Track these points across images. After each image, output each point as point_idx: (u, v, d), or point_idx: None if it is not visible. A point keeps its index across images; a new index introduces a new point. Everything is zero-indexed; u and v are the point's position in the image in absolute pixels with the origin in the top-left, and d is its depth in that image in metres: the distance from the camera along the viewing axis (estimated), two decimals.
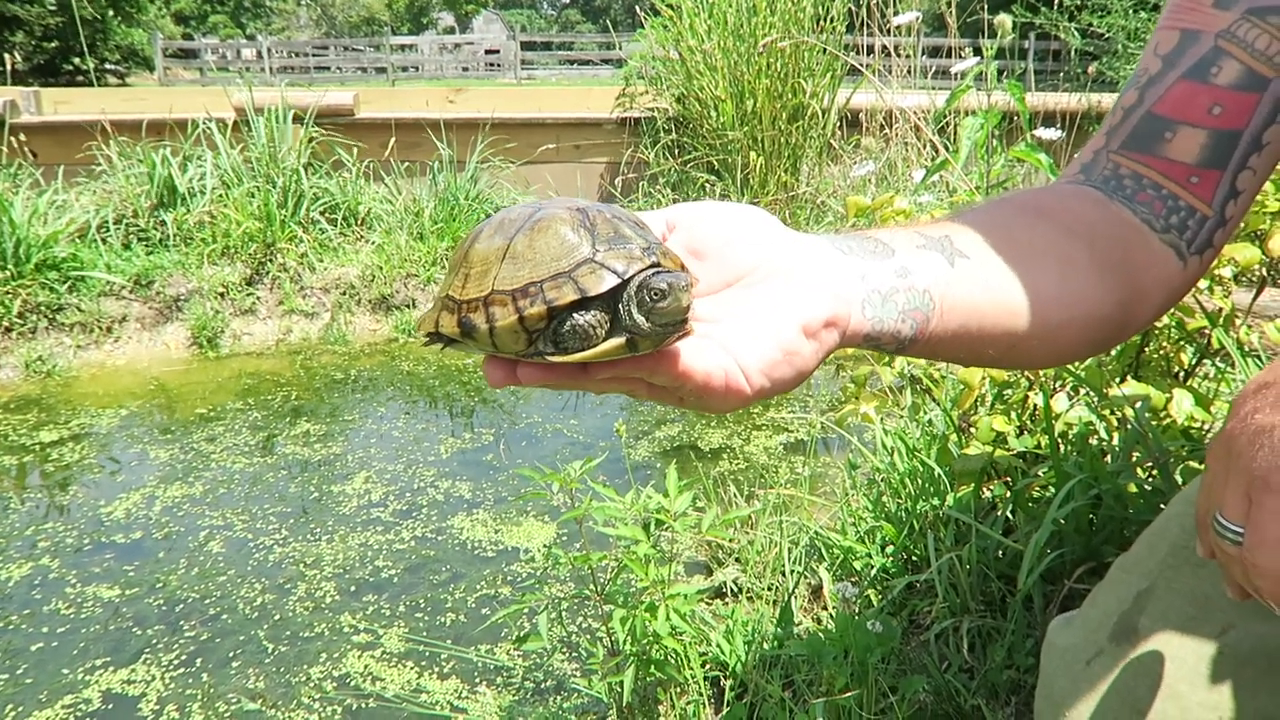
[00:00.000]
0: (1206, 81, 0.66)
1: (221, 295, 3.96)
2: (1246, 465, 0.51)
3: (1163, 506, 0.77)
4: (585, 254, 0.45)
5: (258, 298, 4.03)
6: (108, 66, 22.02)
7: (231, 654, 1.81)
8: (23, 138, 4.60)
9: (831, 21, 4.64)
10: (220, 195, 4.26)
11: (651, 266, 0.45)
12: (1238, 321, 1.37)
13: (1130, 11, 5.64)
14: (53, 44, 19.69)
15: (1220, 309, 1.33)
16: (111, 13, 21.68)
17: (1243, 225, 1.30)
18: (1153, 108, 0.68)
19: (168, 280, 3.91)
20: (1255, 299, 1.44)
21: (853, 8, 4.51)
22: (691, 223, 0.55)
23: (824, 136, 4.73)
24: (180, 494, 2.50)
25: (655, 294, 0.43)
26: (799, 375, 0.53)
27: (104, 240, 4.07)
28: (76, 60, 19.70)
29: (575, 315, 0.45)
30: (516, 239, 0.46)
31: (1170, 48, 0.69)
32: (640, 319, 0.44)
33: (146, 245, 4.15)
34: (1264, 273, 1.41)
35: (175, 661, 1.79)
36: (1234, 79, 0.65)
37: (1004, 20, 2.27)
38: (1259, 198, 1.29)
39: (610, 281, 0.44)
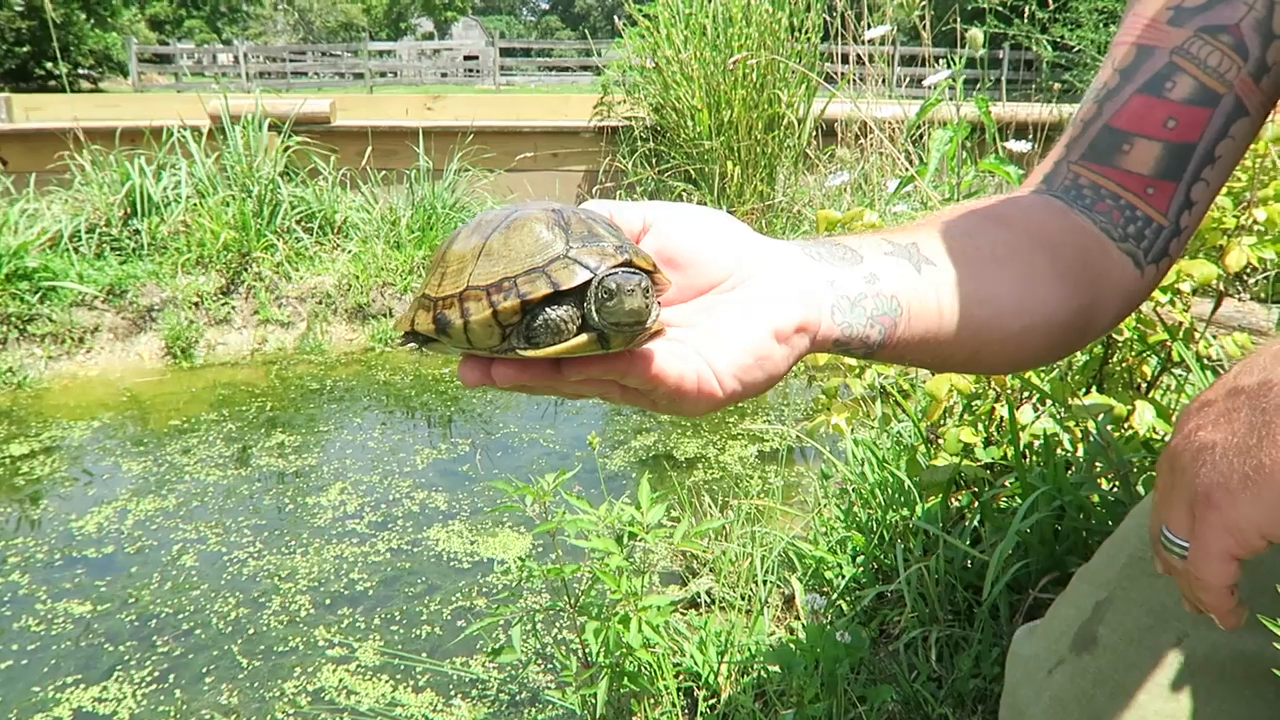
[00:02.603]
0: (1162, 96, 0.68)
1: (196, 305, 3.93)
2: (1190, 481, 0.52)
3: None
4: (559, 250, 0.46)
5: (233, 307, 4.00)
6: (81, 71, 21.77)
7: (205, 669, 1.80)
8: None
9: (806, 33, 4.68)
10: (195, 204, 4.23)
11: (623, 264, 0.46)
12: (1197, 334, 1.40)
13: (1100, 25, 5.73)
14: (24, 48, 19.46)
15: (1180, 323, 1.35)
16: (85, 16, 21.45)
17: (1201, 241, 1.34)
18: (1110, 120, 0.70)
19: (141, 290, 3.88)
20: (1214, 312, 1.47)
21: (827, 19, 4.56)
22: (667, 227, 0.56)
23: (799, 146, 4.77)
24: (153, 507, 2.48)
25: (605, 292, 0.44)
26: (770, 379, 0.54)
27: (76, 250, 4.03)
28: (49, 65, 19.47)
29: (547, 310, 0.45)
30: (492, 238, 0.48)
31: (1127, 62, 0.71)
32: (595, 315, 0.45)
33: (120, 255, 4.11)
34: (1221, 287, 1.44)
35: (148, 678, 1.77)
36: (1188, 94, 0.67)
37: (974, 35, 2.31)
38: (1217, 214, 1.32)
39: (582, 276, 0.45)
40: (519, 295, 0.45)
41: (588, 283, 0.45)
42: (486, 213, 0.51)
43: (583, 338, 0.46)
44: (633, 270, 0.46)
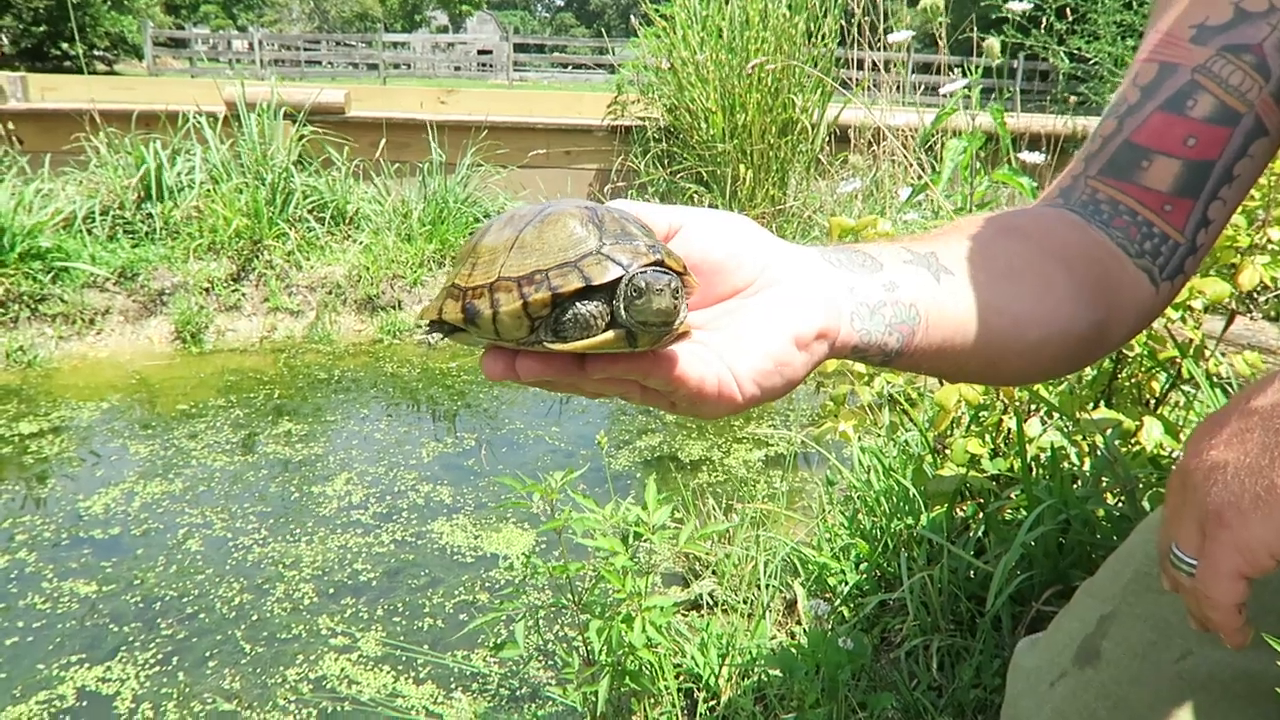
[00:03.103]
0: (1182, 114, 0.68)
1: (206, 290, 3.94)
2: (1200, 499, 0.53)
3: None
4: (592, 246, 0.46)
5: (243, 294, 4.02)
6: (96, 53, 21.84)
7: (208, 654, 1.81)
8: (10, 125, 4.56)
9: (823, 38, 4.68)
10: (208, 190, 4.25)
11: (655, 264, 0.47)
12: (1207, 352, 1.40)
13: (1118, 39, 5.71)
14: (41, 28, 19.53)
15: (1191, 340, 1.36)
16: None
17: (1214, 259, 1.34)
18: (1130, 137, 0.70)
19: (152, 274, 3.90)
20: (1225, 330, 1.47)
21: (844, 24, 4.55)
22: (694, 232, 0.56)
23: (812, 151, 4.77)
24: (160, 490, 2.49)
25: (636, 290, 0.45)
26: (789, 384, 0.55)
27: (89, 231, 4.05)
28: (65, 45, 19.54)
29: (578, 304, 0.46)
30: (526, 231, 0.48)
31: (1149, 79, 0.71)
32: (623, 313, 0.46)
33: (132, 238, 4.13)
34: (1233, 305, 1.44)
35: (151, 660, 1.79)
36: (1208, 112, 0.68)
37: (991, 44, 2.31)
38: (1230, 233, 1.32)
39: (614, 272, 0.45)
40: (550, 288, 0.45)
41: (619, 280, 0.46)
42: (519, 208, 0.52)
43: (610, 334, 0.46)
44: (663, 270, 0.46)
